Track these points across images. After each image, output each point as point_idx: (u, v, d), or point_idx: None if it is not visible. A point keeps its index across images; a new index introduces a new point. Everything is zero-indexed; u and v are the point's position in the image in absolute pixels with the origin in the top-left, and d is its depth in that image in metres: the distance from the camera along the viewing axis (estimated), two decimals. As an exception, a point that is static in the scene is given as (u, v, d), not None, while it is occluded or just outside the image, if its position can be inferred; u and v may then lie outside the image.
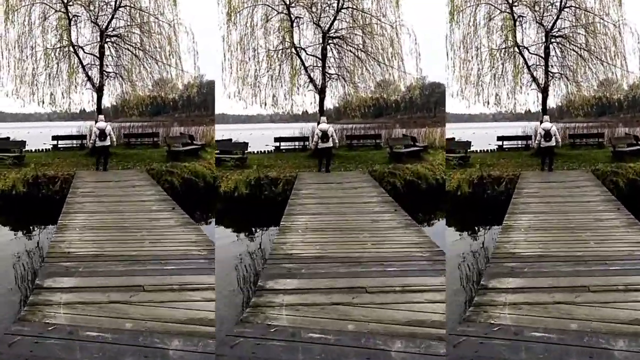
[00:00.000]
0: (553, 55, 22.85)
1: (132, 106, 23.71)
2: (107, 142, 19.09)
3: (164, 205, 13.19)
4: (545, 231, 10.62)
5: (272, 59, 22.80)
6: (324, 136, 19.04)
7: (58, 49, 22.54)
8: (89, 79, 22.77)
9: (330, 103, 23.69)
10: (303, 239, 9.99)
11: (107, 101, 23.38)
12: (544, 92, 22.49)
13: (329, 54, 23.04)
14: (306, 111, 23.54)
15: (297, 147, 23.51)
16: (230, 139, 23.45)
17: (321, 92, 22.89)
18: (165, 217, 11.82)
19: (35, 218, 15.34)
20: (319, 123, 20.04)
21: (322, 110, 22.70)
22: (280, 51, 22.87)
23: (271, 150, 23.23)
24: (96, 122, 19.77)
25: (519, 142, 23.29)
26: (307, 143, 23.01)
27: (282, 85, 22.81)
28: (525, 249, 9.22)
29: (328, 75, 23.05)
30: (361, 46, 23.06)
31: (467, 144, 21.64)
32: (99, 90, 22.78)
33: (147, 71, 23.28)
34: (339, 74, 23.30)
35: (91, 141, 19.51)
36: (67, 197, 14.45)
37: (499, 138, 23.33)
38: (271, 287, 7.12)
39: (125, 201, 13.88)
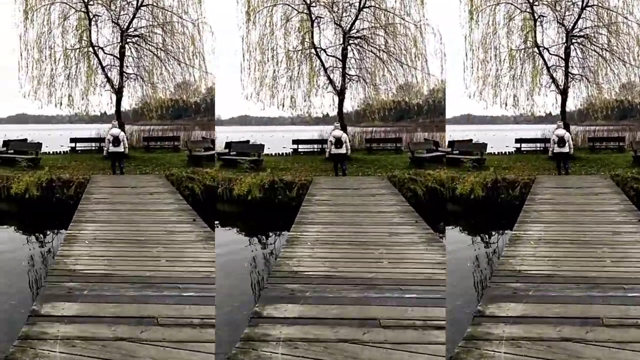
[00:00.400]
0: (573, 56, 22.39)
1: (152, 109, 23.18)
2: (121, 149, 18.89)
3: (184, 216, 12.43)
4: (556, 245, 9.91)
5: (291, 60, 22.47)
6: (338, 142, 18.85)
7: (77, 50, 22.27)
8: (109, 80, 22.49)
9: (349, 105, 23.21)
10: (312, 253, 9.36)
11: (127, 103, 23.03)
12: (563, 94, 22.01)
13: (350, 55, 22.64)
14: (327, 114, 22.99)
15: (315, 149, 23.05)
16: (248, 141, 23.16)
17: (340, 94, 22.49)
18: (185, 229, 11.05)
19: (48, 223, 14.95)
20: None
21: (341, 113, 22.34)
22: (300, 52, 22.51)
23: (289, 153, 22.86)
24: (112, 127, 19.48)
25: (538, 144, 22.71)
26: (325, 146, 22.56)
27: (300, 87, 22.51)
28: (532, 266, 8.48)
29: (348, 77, 22.63)
30: (383, 46, 22.61)
31: (483, 146, 21.14)
32: (119, 92, 22.45)
33: (169, 73, 22.85)
34: (360, 75, 22.87)
35: (105, 147, 19.19)
36: (80, 203, 13.95)
37: (517, 140, 22.84)
38: (269, 315, 6.42)
39: (141, 210, 13.19)
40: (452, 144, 21.85)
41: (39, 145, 21.10)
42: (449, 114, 27.55)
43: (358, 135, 24.04)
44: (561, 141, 18.74)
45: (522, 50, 22.29)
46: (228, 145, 21.89)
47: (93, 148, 22.63)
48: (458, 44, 22.88)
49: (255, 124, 28.58)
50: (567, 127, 20.45)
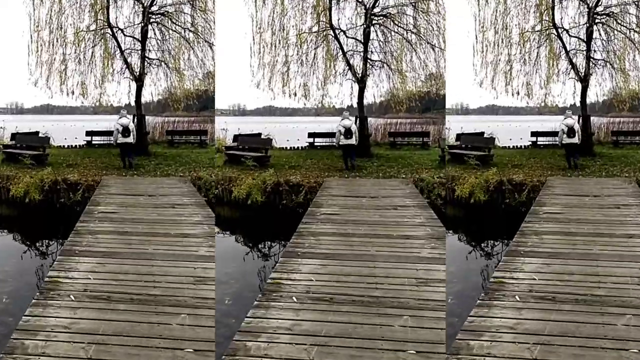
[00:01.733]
0: (596, 38, 19.64)
1: (177, 99, 20.11)
2: (130, 139, 17.26)
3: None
4: (553, 307, 6.55)
5: (305, 42, 19.81)
6: (347, 132, 17.04)
7: (93, 31, 19.54)
8: (128, 66, 19.82)
9: (371, 95, 20.43)
10: (293, 325, 6.27)
11: (148, 92, 20.24)
12: (584, 81, 19.48)
13: (372, 36, 19.84)
14: (351, 105, 20.21)
15: (333, 143, 20.28)
16: (260, 134, 20.95)
17: (361, 81, 19.81)
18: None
19: (49, 235, 12.82)
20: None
21: (361, 103, 19.83)
22: (316, 33, 19.82)
23: (305, 147, 20.55)
24: (121, 116, 17.65)
25: (556, 138, 20.14)
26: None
27: (314, 73, 19.86)
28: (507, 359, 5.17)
29: (370, 62, 19.87)
30: (411, 27, 19.63)
31: (490, 140, 18.86)
32: (139, 80, 19.77)
33: (198, 58, 19.83)
34: (384, 60, 20.02)
35: (113, 138, 17.45)
36: (79, 221, 10.91)
37: (533, 134, 20.62)
38: None
39: (159, 236, 9.89)
40: (459, 137, 19.68)
41: (47, 139, 18.88)
42: (473, 105, 25.17)
43: (381, 127, 21.45)
44: (571, 131, 17.19)
45: (538, 32, 19.61)
46: (235, 138, 19.70)
47: (111, 142, 19.87)
48: (468, 25, 20.02)
49: (279, 115, 26.34)
50: (587, 119, 18.38)
